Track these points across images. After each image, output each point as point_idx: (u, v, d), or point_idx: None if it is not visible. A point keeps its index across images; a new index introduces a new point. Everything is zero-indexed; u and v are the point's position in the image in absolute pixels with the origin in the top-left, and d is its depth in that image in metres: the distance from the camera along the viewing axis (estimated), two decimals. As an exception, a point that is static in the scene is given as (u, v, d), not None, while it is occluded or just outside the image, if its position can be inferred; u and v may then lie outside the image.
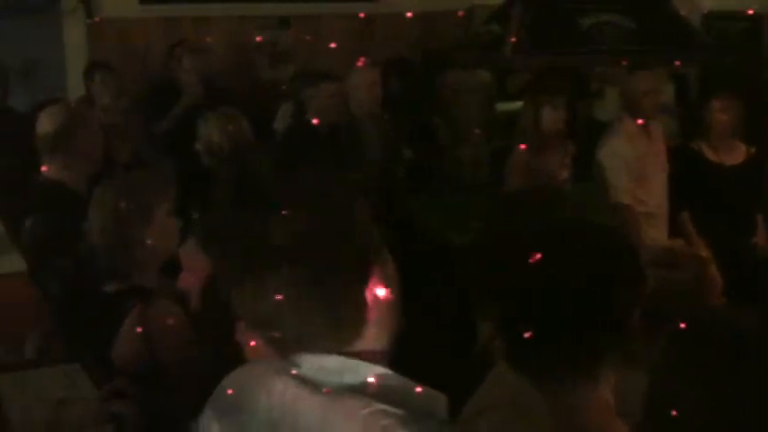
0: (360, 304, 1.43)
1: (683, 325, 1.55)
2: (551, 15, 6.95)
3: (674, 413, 1.46)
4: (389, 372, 1.45)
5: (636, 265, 1.78)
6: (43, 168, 3.63)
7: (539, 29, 6.81)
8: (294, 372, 1.45)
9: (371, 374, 1.42)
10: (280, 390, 1.45)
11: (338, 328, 1.43)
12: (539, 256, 1.66)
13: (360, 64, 5.57)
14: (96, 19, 6.82)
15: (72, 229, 3.06)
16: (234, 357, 1.59)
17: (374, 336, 1.46)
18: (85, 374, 2.70)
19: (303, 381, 1.44)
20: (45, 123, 3.65)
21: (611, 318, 1.70)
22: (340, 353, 1.43)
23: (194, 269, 2.59)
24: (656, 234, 4.78)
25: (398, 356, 1.50)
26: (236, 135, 4.45)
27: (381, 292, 1.44)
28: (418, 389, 1.44)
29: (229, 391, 1.53)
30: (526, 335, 1.64)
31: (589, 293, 1.68)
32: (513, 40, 6.66)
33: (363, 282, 1.43)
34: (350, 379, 1.42)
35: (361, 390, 1.41)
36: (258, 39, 7.34)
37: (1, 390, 2.61)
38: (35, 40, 6.71)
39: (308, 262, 1.40)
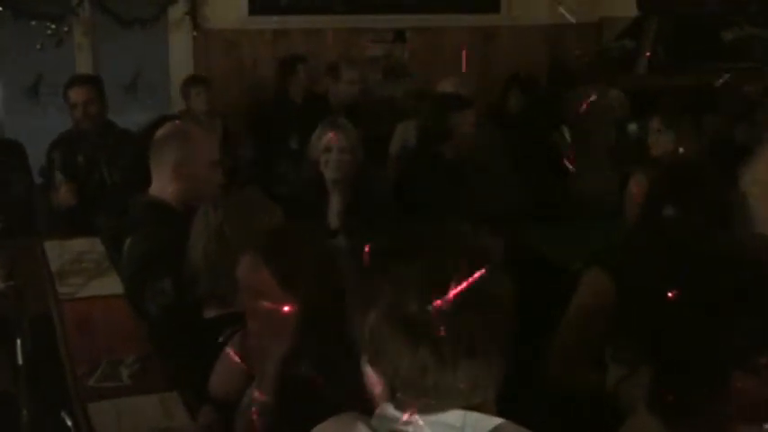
0: (498, 368, 1.47)
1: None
2: (690, 29, 6.82)
3: None
4: (506, 421, 1.49)
5: None
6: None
7: (676, 43, 6.68)
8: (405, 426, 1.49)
9: (491, 426, 1.47)
10: None
11: (474, 389, 1.47)
12: (676, 295, 1.63)
13: None
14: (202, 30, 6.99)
15: (172, 250, 3.10)
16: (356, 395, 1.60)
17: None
18: (183, 404, 2.73)
19: None
20: (153, 140, 3.72)
21: (756, 362, 1.66)
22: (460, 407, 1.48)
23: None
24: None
25: (526, 393, 1.50)
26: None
27: None
28: None
29: None
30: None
31: (735, 337, 1.65)
32: (648, 55, 6.56)
33: (503, 349, 1.48)
34: None
35: None
36: (371, 52, 7.41)
37: (96, 418, 2.66)
38: (139, 52, 6.91)
39: (460, 334, 1.43)
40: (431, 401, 1.46)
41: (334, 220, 4.42)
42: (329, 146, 4.45)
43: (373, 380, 1.53)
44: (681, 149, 4.94)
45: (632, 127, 6.83)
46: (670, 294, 1.68)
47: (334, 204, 4.45)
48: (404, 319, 1.43)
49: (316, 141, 4.53)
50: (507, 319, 1.48)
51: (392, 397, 1.52)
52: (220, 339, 2.70)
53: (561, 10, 6.57)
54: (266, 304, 2.36)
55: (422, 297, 1.43)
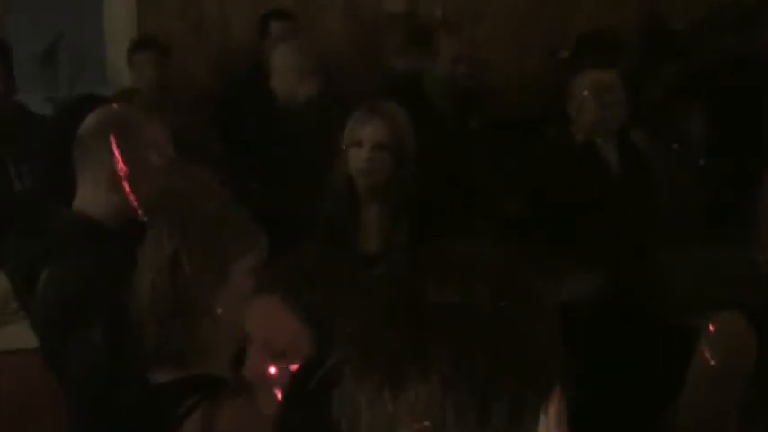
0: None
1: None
2: None
3: None
4: None
5: None
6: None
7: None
8: None
9: None
10: None
11: None
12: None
13: None
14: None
15: (106, 287, 3.13)
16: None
17: None
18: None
19: None
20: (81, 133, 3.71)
21: None
22: None
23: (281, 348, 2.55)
24: None
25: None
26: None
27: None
28: None
29: None
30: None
31: None
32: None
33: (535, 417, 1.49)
34: None
35: None
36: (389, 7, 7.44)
37: None
38: (61, 11, 6.96)
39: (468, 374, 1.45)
40: None
41: (369, 242, 4.48)
42: (358, 139, 4.48)
43: None
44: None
45: None
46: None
47: (372, 221, 4.51)
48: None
49: (349, 133, 4.54)
50: (542, 377, 1.49)
51: None
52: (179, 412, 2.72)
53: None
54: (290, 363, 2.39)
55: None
